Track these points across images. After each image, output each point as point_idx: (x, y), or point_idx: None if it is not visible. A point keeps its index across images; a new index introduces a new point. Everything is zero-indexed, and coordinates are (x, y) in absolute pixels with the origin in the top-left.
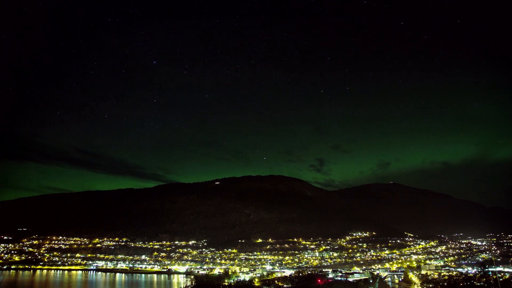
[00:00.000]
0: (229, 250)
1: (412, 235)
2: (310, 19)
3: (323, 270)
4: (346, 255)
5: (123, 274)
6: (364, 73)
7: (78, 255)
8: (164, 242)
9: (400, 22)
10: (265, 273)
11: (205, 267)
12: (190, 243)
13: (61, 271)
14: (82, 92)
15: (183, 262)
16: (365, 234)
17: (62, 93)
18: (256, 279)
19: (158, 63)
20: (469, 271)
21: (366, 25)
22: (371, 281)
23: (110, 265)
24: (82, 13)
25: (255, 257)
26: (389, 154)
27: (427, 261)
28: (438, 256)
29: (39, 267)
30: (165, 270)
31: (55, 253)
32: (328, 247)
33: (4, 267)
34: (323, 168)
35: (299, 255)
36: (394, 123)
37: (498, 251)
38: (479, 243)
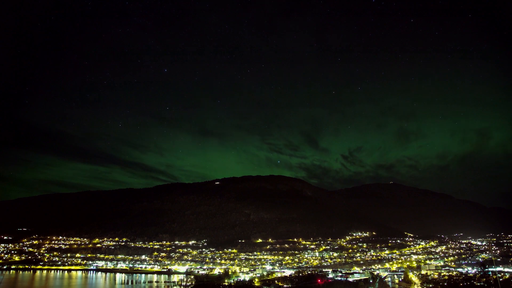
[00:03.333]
0: (229, 250)
1: (412, 235)
2: (318, 19)
3: (323, 270)
4: (346, 255)
5: (123, 274)
6: (376, 72)
7: (78, 255)
8: (164, 242)
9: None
10: (265, 273)
11: (205, 267)
12: (190, 243)
13: (61, 271)
14: (95, 101)
15: (183, 262)
16: (365, 234)
17: (73, 100)
18: (256, 279)
19: (169, 71)
20: (469, 271)
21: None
22: (371, 281)
23: (110, 265)
24: (94, 24)
25: (255, 257)
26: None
27: (427, 261)
28: (438, 256)
29: (39, 267)
30: (165, 270)
31: (55, 253)
32: (328, 247)
33: (4, 267)
34: (320, 143)
35: (299, 255)
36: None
37: (498, 251)
38: (479, 243)
